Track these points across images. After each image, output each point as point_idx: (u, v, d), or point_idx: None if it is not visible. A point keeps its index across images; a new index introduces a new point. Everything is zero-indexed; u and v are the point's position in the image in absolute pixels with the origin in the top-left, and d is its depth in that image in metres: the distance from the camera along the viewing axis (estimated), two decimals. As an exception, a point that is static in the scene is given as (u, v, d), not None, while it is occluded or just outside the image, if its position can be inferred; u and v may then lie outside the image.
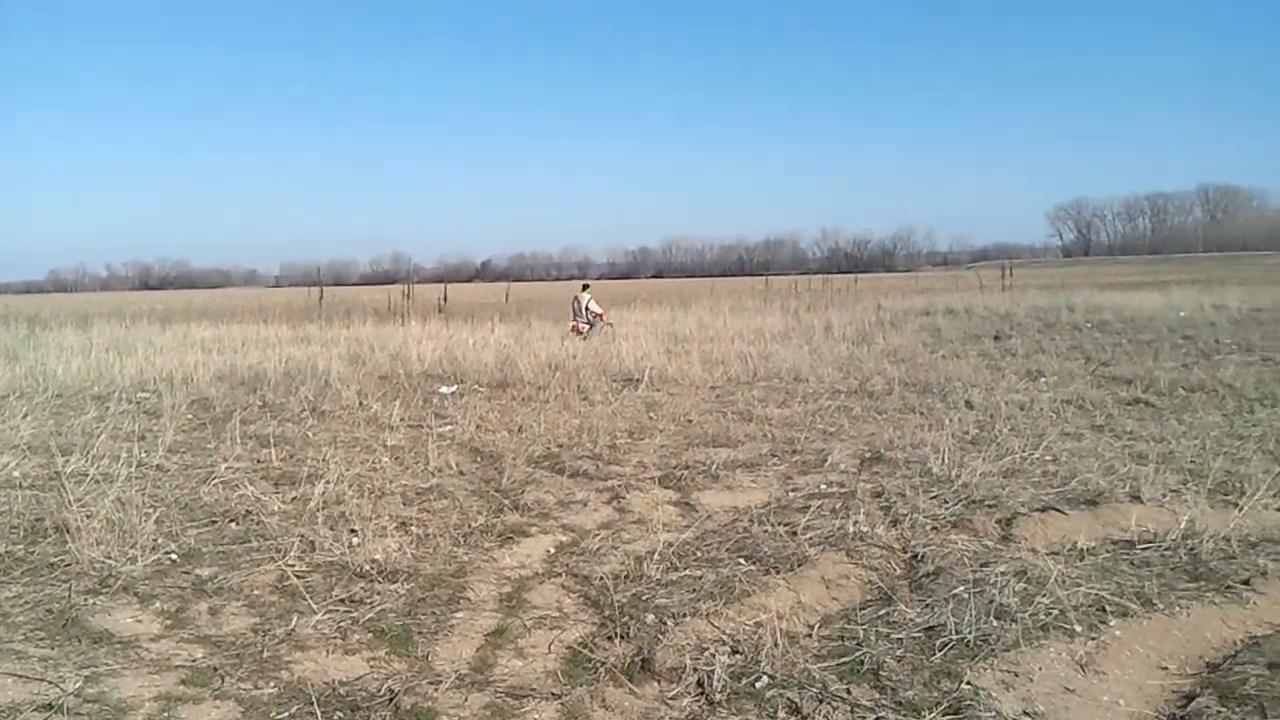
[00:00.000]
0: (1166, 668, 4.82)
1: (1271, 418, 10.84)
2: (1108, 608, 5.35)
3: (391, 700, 4.45)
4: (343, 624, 5.40)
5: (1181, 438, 9.79)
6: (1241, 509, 7.02)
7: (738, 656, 4.89)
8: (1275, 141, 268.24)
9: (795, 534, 6.78)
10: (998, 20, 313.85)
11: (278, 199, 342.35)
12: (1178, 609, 5.39)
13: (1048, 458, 8.86)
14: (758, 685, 4.58)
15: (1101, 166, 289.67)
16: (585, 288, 26.28)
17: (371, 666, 4.91)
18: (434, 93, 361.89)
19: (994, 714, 4.26)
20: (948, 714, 4.27)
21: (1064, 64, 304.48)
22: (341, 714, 4.36)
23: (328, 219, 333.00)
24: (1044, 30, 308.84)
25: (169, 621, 5.45)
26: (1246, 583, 5.69)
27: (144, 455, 9.39)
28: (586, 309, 24.99)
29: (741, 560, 6.35)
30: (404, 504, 7.75)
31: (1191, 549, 6.26)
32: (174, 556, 6.47)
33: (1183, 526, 6.63)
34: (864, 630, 5.21)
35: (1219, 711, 4.20)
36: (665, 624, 5.32)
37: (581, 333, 23.98)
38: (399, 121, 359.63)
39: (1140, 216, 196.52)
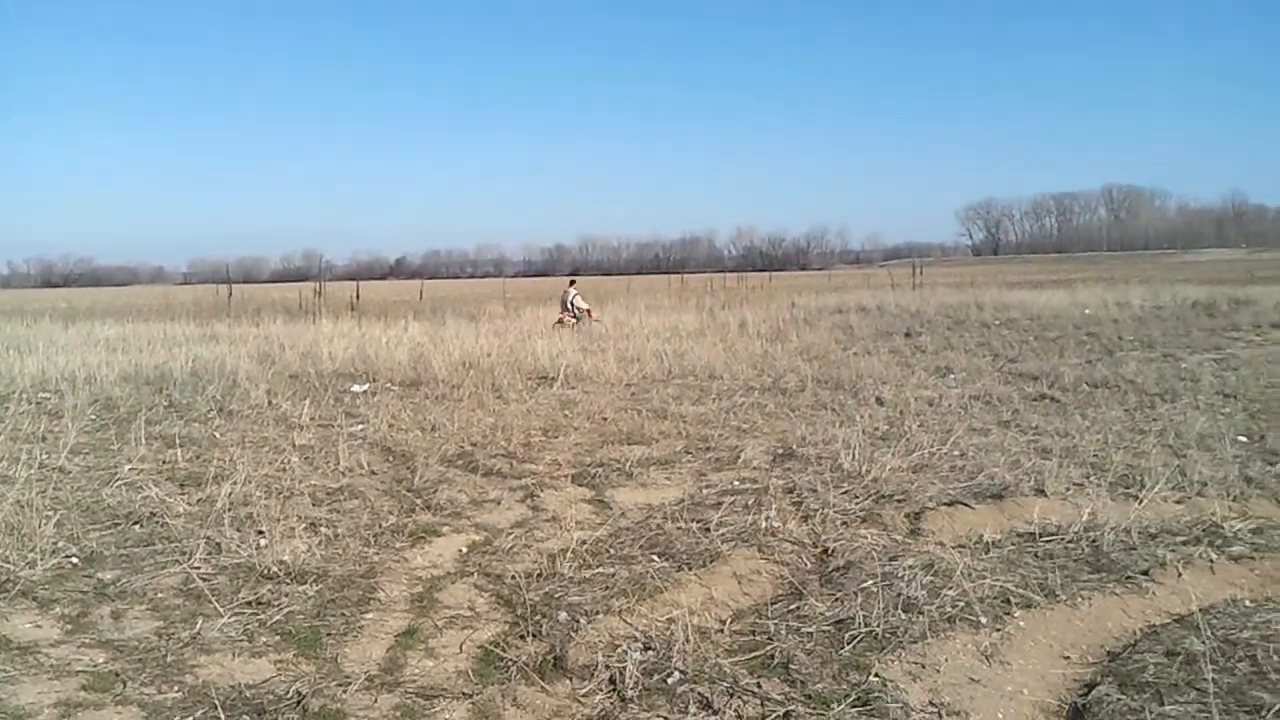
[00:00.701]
0: (1069, 657, 4.93)
1: (1171, 412, 11.13)
2: (1012, 599, 5.45)
3: (299, 703, 4.39)
4: (249, 626, 5.30)
5: (1085, 432, 10.02)
6: (1142, 501, 7.19)
7: (650, 653, 4.90)
8: (1177, 143, 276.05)
9: (708, 530, 6.81)
10: (908, 21, 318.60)
11: (187, 195, 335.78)
12: (1080, 599, 5.51)
13: (955, 453, 9.01)
14: (669, 681, 4.59)
15: (1010, 167, 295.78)
16: (572, 283, 28.16)
17: (279, 669, 4.83)
18: (347, 88, 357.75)
19: (901, 705, 4.32)
20: (856, 706, 4.33)
21: (973, 65, 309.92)
22: (247, 717, 4.29)
23: (238, 215, 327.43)
24: (954, 31, 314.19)
25: (69, 626, 5.31)
26: (1146, 573, 5.83)
27: (45, 457, 9.15)
28: (572, 304, 26.44)
29: (654, 557, 6.37)
30: (313, 504, 7.64)
31: (1093, 541, 6.39)
32: (75, 560, 6.31)
33: (1085, 519, 6.77)
34: (775, 624, 5.25)
35: (1119, 699, 4.29)
36: (578, 622, 5.31)
37: (568, 325, 24.97)
38: (310, 117, 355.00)
39: (1047, 216, 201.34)
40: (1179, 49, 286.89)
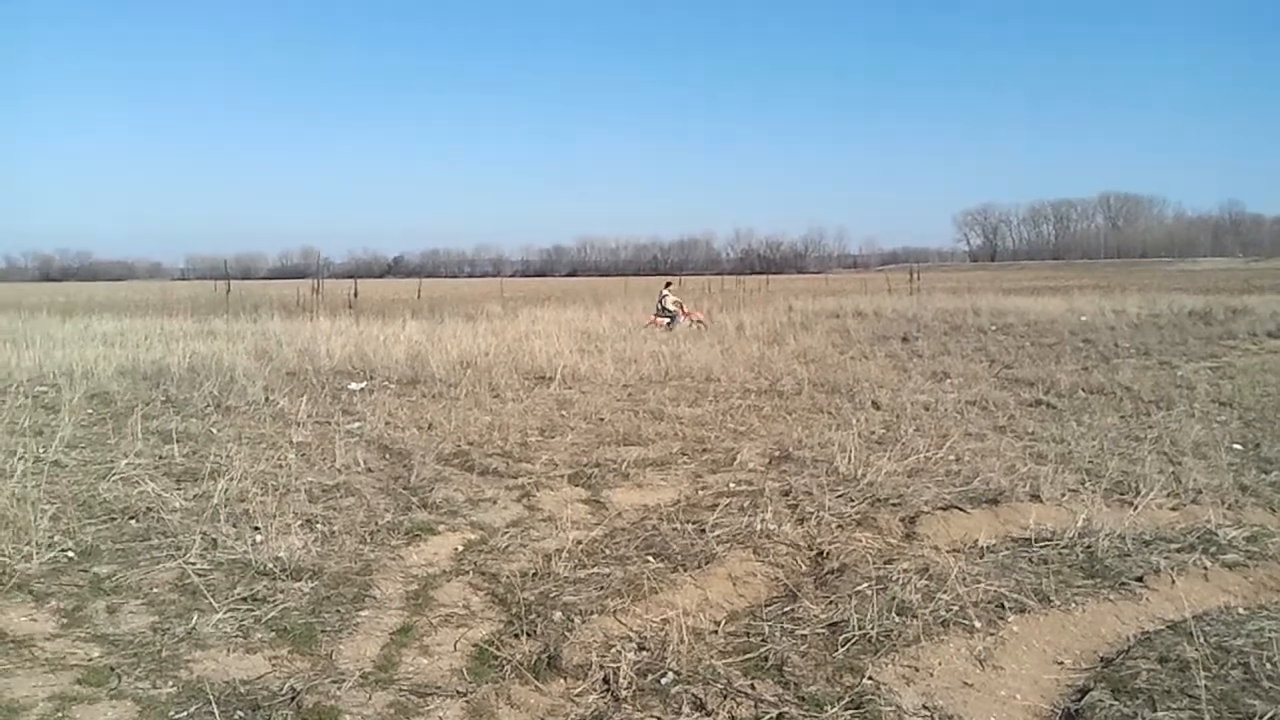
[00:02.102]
0: (1062, 662, 4.94)
1: (1166, 420, 11.15)
2: (1006, 604, 5.46)
3: (293, 699, 4.39)
4: (244, 622, 5.30)
5: (1080, 439, 10.03)
6: (1136, 508, 7.22)
7: (644, 653, 4.92)
8: (1175, 151, 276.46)
9: (704, 532, 6.82)
10: (909, 23, 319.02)
11: (185, 190, 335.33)
12: (1074, 605, 5.53)
13: (951, 457, 9.03)
14: (663, 681, 4.60)
15: (1008, 173, 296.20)
16: (667, 285, 27.76)
17: (273, 665, 4.83)
18: (348, 85, 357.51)
19: (894, 708, 4.33)
20: (849, 708, 4.34)
21: (973, 69, 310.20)
22: (242, 713, 4.29)
23: (236, 211, 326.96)
24: (954, 34, 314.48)
25: (65, 620, 5.31)
26: (1140, 579, 5.86)
27: (41, 450, 9.16)
28: (661, 304, 26.24)
29: (650, 558, 6.37)
30: (309, 501, 7.64)
31: (1088, 547, 6.41)
32: (71, 554, 6.31)
33: (1080, 525, 6.79)
34: (769, 626, 5.26)
35: (1111, 705, 4.31)
36: (573, 621, 5.32)
37: (660, 327, 24.83)
38: (310, 114, 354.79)
39: (1045, 222, 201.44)
40: (1178, 56, 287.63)
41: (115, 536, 6.74)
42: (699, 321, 25.79)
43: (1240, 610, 5.43)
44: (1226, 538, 6.56)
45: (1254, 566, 6.13)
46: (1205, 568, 6.07)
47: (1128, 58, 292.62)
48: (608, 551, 6.57)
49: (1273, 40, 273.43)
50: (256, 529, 6.75)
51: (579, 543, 6.66)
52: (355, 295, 40.55)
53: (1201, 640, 4.90)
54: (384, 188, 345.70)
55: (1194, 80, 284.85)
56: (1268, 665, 4.61)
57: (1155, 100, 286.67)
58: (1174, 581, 5.83)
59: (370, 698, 4.48)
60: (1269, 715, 4.12)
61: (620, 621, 5.33)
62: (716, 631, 5.27)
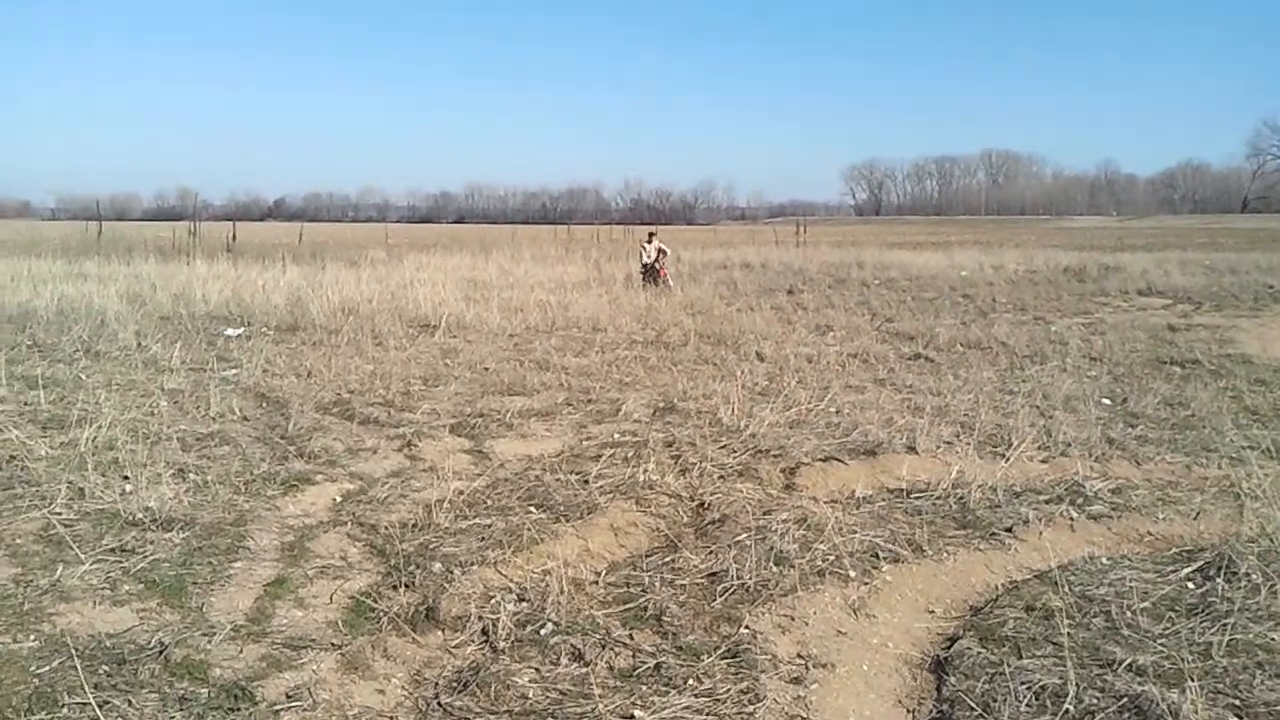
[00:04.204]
0: (933, 611, 5.08)
1: (1040, 374, 11.47)
2: (881, 554, 5.59)
3: (161, 653, 4.28)
4: (112, 574, 5.15)
5: (956, 392, 10.27)
6: (1008, 460, 7.42)
7: (524, 604, 4.92)
8: (1054, 111, 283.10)
9: (587, 482, 6.82)
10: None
11: (55, 126, 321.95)
12: (946, 555, 5.68)
13: (831, 409, 9.16)
14: (542, 632, 4.61)
15: (894, 130, 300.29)
16: (651, 235, 25.60)
17: (141, 618, 4.70)
18: (228, 20, 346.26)
19: (770, 656, 4.41)
20: (726, 657, 4.39)
21: (863, 27, 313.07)
22: (107, 667, 4.17)
23: (110, 150, 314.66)
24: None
25: (-80, 573, 5.10)
26: (1010, 530, 6.04)
27: (-106, 396, 8.75)
28: (641, 258, 24.64)
29: (532, 509, 6.36)
30: (182, 450, 7.44)
31: (960, 498, 6.58)
32: (-74, 504, 6.06)
33: (953, 476, 6.95)
34: (649, 577, 5.30)
35: (979, 653, 4.44)
36: (452, 573, 5.29)
37: (647, 278, 23.64)
38: (190, 48, 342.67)
39: (929, 178, 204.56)
40: (1058, 21, 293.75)
41: (-25, 486, 6.47)
42: (665, 280, 24.05)
43: (1104, 560, 5.63)
44: (1093, 490, 6.79)
45: (1118, 518, 6.36)
46: (1072, 519, 6.28)
47: (1012, 21, 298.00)
48: (489, 502, 6.53)
49: (1147, 5, 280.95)
50: (126, 478, 6.56)
51: (460, 493, 6.62)
52: (234, 238, 39.51)
53: (1066, 589, 5.07)
54: (266, 128, 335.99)
55: (1073, 44, 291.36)
56: (1128, 613, 4.79)
57: (1037, 62, 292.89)
58: (1042, 532, 6.02)
59: (241, 650, 4.39)
60: (1128, 662, 4.27)
61: (500, 573, 5.32)
62: (597, 582, 5.29)
